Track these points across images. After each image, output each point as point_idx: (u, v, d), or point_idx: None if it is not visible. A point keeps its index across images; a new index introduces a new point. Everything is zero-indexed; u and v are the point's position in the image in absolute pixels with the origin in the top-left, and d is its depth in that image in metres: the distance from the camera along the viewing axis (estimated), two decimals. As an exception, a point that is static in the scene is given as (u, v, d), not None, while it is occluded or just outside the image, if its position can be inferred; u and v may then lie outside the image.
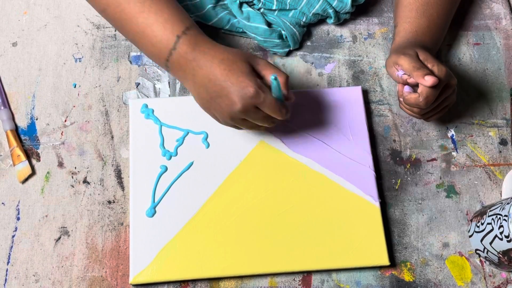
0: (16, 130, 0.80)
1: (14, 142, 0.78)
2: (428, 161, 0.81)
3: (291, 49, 0.86)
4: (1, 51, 0.85)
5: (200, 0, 0.84)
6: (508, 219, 0.67)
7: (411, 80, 0.71)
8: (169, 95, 0.83)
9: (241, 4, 0.84)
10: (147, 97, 0.83)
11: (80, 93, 0.83)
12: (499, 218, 0.69)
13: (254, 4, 0.85)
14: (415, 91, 0.72)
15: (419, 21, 0.79)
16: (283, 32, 0.84)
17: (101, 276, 0.73)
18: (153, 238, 0.73)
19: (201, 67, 0.67)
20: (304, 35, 0.88)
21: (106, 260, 0.74)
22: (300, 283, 0.74)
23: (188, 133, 0.79)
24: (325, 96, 0.82)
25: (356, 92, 0.82)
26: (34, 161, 0.79)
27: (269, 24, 0.84)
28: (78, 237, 0.75)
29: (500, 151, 0.82)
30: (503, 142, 0.83)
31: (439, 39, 0.82)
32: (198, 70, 0.67)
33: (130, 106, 0.80)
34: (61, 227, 0.75)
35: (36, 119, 0.81)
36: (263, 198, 0.75)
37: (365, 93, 0.85)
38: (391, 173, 0.80)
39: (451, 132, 0.83)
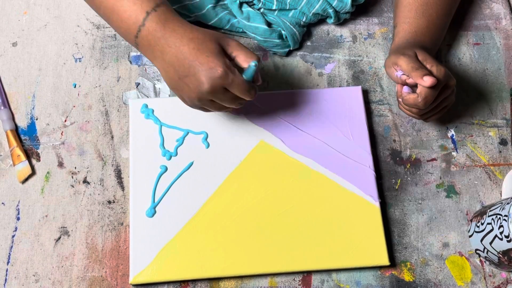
0: (16, 130, 0.80)
1: (14, 142, 0.78)
2: (428, 161, 0.81)
3: (291, 49, 0.86)
4: (1, 51, 0.85)
5: (200, 0, 0.84)
6: (508, 219, 0.67)
7: (410, 81, 0.71)
8: (169, 95, 0.83)
9: (241, 4, 0.84)
10: (147, 97, 0.83)
11: (80, 93, 0.83)
12: (499, 218, 0.69)
13: (254, 4, 0.85)
14: (414, 91, 0.72)
15: (419, 22, 0.79)
16: (283, 32, 0.84)
17: (101, 276, 0.73)
18: (153, 238, 0.73)
19: (169, 45, 0.66)
20: (304, 35, 0.88)
21: (106, 260, 0.74)
22: (300, 283, 0.74)
23: (188, 133, 0.79)
24: (325, 96, 0.82)
25: (356, 92, 0.82)
26: (34, 161, 0.79)
27: (269, 24, 0.84)
28: (78, 237, 0.75)
29: (500, 151, 0.82)
30: (503, 142, 0.83)
31: (439, 40, 0.82)
32: (166, 48, 0.66)
33: (130, 106, 0.80)
34: (61, 227, 0.75)
35: (36, 119, 0.81)
36: (263, 198, 0.75)
37: (365, 93, 0.85)
38: (391, 173, 0.80)
39: (451, 132, 0.83)
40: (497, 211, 0.70)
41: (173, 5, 0.83)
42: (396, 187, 0.79)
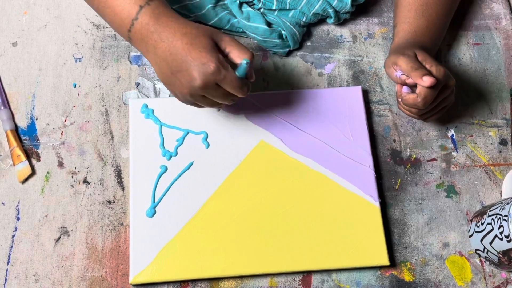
0: (16, 130, 0.80)
1: (14, 142, 0.78)
2: (428, 161, 0.81)
3: (291, 49, 0.86)
4: (1, 51, 0.85)
5: (200, 0, 0.84)
6: (508, 219, 0.67)
7: (409, 81, 0.71)
8: (169, 95, 0.83)
9: (241, 4, 0.84)
10: (147, 97, 0.83)
11: (80, 93, 0.83)
12: (499, 218, 0.69)
13: (254, 4, 0.85)
14: (413, 91, 0.72)
15: (418, 22, 0.79)
16: (283, 32, 0.84)
17: (101, 276, 0.73)
18: (153, 238, 0.73)
19: (162, 40, 0.66)
20: (304, 35, 0.88)
21: (106, 260, 0.74)
22: (300, 283, 0.74)
23: (188, 133, 0.79)
24: (325, 96, 0.82)
25: (356, 92, 0.82)
26: (34, 161, 0.79)
27: (269, 24, 0.84)
28: (78, 237, 0.75)
29: (500, 151, 0.82)
30: (503, 142, 0.83)
31: (439, 40, 0.82)
32: (159, 42, 0.66)
33: (130, 106, 0.80)
34: (61, 227, 0.75)
35: (36, 119, 0.81)
36: (263, 198, 0.75)
37: (365, 93, 0.85)
38: (391, 173, 0.80)
39: (451, 132, 0.83)
40: (497, 211, 0.70)
41: (173, 5, 0.83)
42: (396, 187, 0.79)
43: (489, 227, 0.71)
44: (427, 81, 0.68)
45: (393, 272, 0.75)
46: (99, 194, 0.77)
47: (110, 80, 0.84)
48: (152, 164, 0.77)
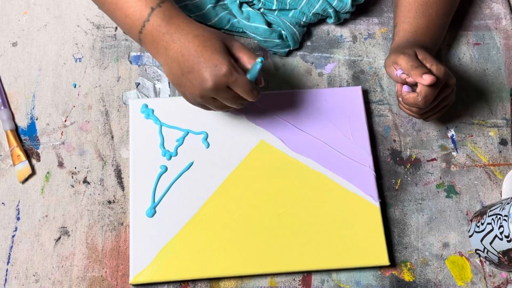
0: (16, 130, 0.80)
1: (14, 142, 0.78)
2: (428, 161, 0.81)
3: (291, 49, 0.86)
4: (1, 51, 0.85)
5: (200, 0, 0.84)
6: (508, 219, 0.67)
7: (409, 79, 0.71)
8: (169, 95, 0.83)
9: (241, 4, 0.84)
10: (147, 97, 0.83)
11: (80, 93, 0.83)
12: (499, 218, 0.69)
13: (254, 4, 0.85)
14: (414, 90, 0.72)
15: (418, 21, 0.79)
16: (283, 32, 0.84)
17: (101, 276, 0.73)
18: (153, 238, 0.73)
19: (174, 41, 0.66)
20: (304, 35, 0.88)
21: (106, 260, 0.74)
22: (300, 283, 0.74)
23: (188, 133, 0.79)
24: (325, 96, 0.82)
25: (356, 92, 0.82)
26: (34, 161, 0.79)
27: (269, 24, 0.84)
28: (78, 237, 0.75)
29: (500, 151, 0.82)
30: (503, 142, 0.83)
31: (439, 39, 0.82)
32: (171, 44, 0.67)
33: (130, 106, 0.80)
34: (61, 227, 0.75)
35: (36, 119, 0.81)
36: (263, 198, 0.75)
37: (365, 93, 0.85)
38: (391, 173, 0.80)
39: (451, 132, 0.83)
40: (497, 211, 0.70)
41: (173, 5, 0.83)
42: (396, 187, 0.79)
43: (489, 227, 0.71)
44: (427, 79, 0.68)
45: (393, 272, 0.75)
46: (99, 194, 0.77)
47: (110, 80, 0.84)
48: (152, 164, 0.77)
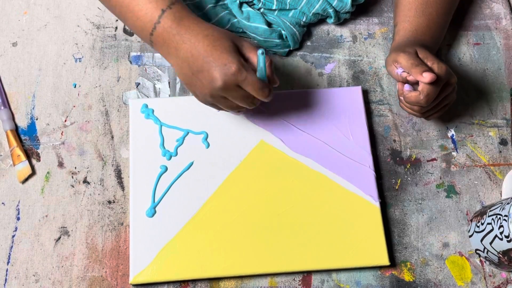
0: (16, 130, 0.80)
1: (14, 142, 0.78)
2: (428, 161, 0.81)
3: (291, 49, 0.86)
4: (1, 51, 0.85)
5: (200, 0, 0.84)
6: (508, 219, 0.67)
7: (410, 78, 0.71)
8: (169, 95, 0.83)
9: (241, 4, 0.84)
10: (147, 97, 0.83)
11: (80, 93, 0.83)
12: (499, 218, 0.69)
13: (254, 4, 0.85)
14: (415, 89, 0.72)
15: (419, 20, 0.79)
16: (283, 32, 0.84)
17: (101, 276, 0.73)
18: (153, 238, 0.73)
19: (184, 42, 0.67)
20: (304, 35, 0.88)
21: (106, 260, 0.74)
22: (300, 283, 0.74)
23: (188, 133, 0.79)
24: (325, 96, 0.82)
25: (356, 92, 0.82)
26: (34, 161, 0.79)
27: (269, 24, 0.84)
28: (78, 237, 0.75)
29: (500, 151, 0.82)
30: (503, 142, 0.83)
31: (439, 38, 0.82)
32: (181, 44, 0.67)
33: (130, 106, 0.80)
34: (61, 227, 0.75)
35: (36, 119, 0.81)
36: (263, 198, 0.75)
37: (365, 93, 0.85)
38: (391, 173, 0.80)
39: (451, 132, 0.83)
40: (497, 211, 0.70)
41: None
42: (396, 187, 0.79)
43: (489, 227, 0.71)
44: (427, 77, 0.68)
45: (393, 272, 0.75)
46: (99, 194, 0.77)
47: (110, 80, 0.84)
48: (152, 164, 0.77)
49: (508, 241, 0.67)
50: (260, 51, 0.65)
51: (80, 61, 0.85)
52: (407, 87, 0.73)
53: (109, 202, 0.77)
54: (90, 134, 0.80)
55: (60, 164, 0.79)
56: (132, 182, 0.76)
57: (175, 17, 0.68)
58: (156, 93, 0.83)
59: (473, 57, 0.88)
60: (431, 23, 0.79)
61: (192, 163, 0.77)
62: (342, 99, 0.82)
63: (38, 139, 0.80)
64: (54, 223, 0.75)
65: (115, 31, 0.87)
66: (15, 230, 0.75)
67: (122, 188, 0.78)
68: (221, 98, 0.68)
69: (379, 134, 0.82)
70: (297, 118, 0.80)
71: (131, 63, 0.85)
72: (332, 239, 0.74)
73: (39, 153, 0.79)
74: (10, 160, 0.78)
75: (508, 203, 0.69)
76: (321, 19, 0.88)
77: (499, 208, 0.70)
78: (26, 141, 0.80)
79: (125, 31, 0.87)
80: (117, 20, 0.87)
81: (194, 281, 0.73)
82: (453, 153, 0.82)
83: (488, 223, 0.71)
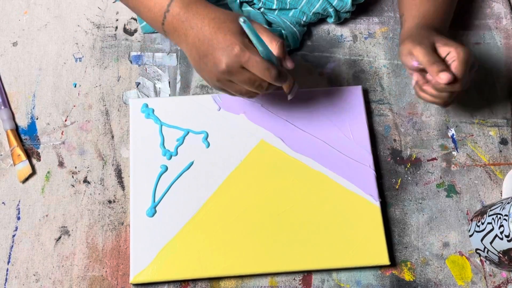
0: (16, 130, 0.80)
1: (14, 142, 0.78)
2: (428, 160, 0.81)
3: (291, 48, 0.86)
4: (2, 51, 0.85)
5: None
6: (509, 218, 0.67)
7: (429, 76, 0.70)
8: (169, 95, 0.83)
9: (241, 4, 0.84)
10: (148, 96, 0.83)
11: (81, 92, 0.83)
12: (500, 217, 0.69)
13: (254, 4, 0.85)
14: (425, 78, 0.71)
15: (425, 6, 0.78)
16: (283, 31, 0.84)
17: (102, 275, 0.73)
18: (153, 237, 0.73)
19: (192, 27, 0.66)
20: (305, 34, 0.88)
21: (107, 260, 0.74)
22: (300, 282, 0.74)
23: (188, 132, 0.79)
24: (325, 96, 0.82)
25: (356, 92, 0.82)
26: (34, 161, 0.79)
27: (269, 24, 0.84)
28: (78, 236, 0.75)
29: (501, 151, 0.82)
30: (503, 142, 0.83)
31: (447, 21, 0.81)
32: (189, 30, 0.67)
33: (131, 105, 0.80)
34: (62, 227, 0.75)
35: (37, 119, 0.81)
36: (263, 198, 0.75)
37: (366, 92, 0.85)
38: (391, 173, 0.80)
39: (452, 132, 0.83)
40: (497, 210, 0.70)
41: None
42: (397, 187, 0.79)
43: (489, 227, 0.71)
44: (444, 78, 0.67)
45: (393, 272, 0.75)
46: (99, 193, 0.77)
47: (110, 80, 0.84)
48: (152, 164, 0.77)
49: (509, 241, 0.67)
50: (241, 19, 0.62)
51: (80, 61, 0.85)
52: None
53: (110, 201, 0.77)
54: (90, 133, 0.80)
55: (61, 164, 0.79)
56: (132, 182, 0.76)
57: (183, 4, 0.67)
58: (156, 93, 0.83)
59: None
60: (438, 7, 0.78)
61: (192, 163, 0.77)
62: (343, 99, 0.82)
63: (38, 139, 0.80)
64: (55, 222, 0.75)
65: (115, 30, 0.87)
66: (16, 230, 0.75)
67: (123, 187, 0.78)
68: (228, 82, 0.67)
69: (380, 133, 0.82)
70: (297, 117, 0.80)
71: (131, 62, 0.85)
72: (332, 238, 0.74)
73: (39, 153, 0.79)
74: (11, 159, 0.78)
75: (508, 203, 0.69)
76: (321, 19, 0.88)
77: (499, 207, 0.70)
78: (27, 140, 0.80)
79: (125, 30, 0.87)
80: (117, 20, 0.87)
81: (194, 280, 0.73)
82: (453, 152, 0.82)
83: (489, 223, 0.71)
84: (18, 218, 0.76)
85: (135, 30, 0.87)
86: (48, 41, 0.86)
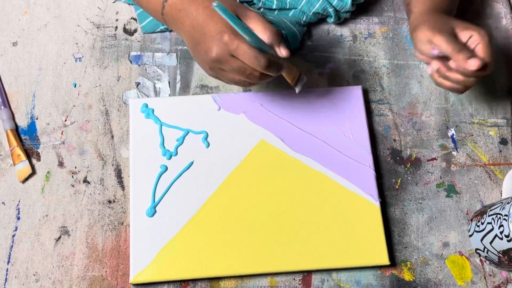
0: (16, 130, 0.80)
1: (14, 142, 0.78)
2: (428, 160, 0.81)
3: (291, 48, 0.86)
4: (2, 51, 0.85)
5: None
6: (508, 218, 0.67)
7: (453, 65, 0.69)
8: (169, 95, 0.83)
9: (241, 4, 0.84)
10: (147, 96, 0.83)
11: (80, 92, 0.83)
12: (499, 217, 0.69)
13: (254, 4, 0.85)
14: (446, 64, 0.70)
15: None
16: (283, 31, 0.84)
17: (101, 275, 0.73)
18: (153, 237, 0.73)
19: (188, 16, 0.67)
20: (304, 34, 0.88)
21: (106, 260, 0.74)
22: (300, 282, 0.74)
23: (188, 132, 0.79)
24: (325, 96, 0.82)
25: (356, 92, 0.82)
26: (34, 161, 0.79)
27: (269, 24, 0.84)
28: (78, 236, 0.75)
29: (501, 151, 0.82)
30: (503, 142, 0.83)
31: (455, 6, 0.80)
32: (185, 19, 0.67)
33: (130, 105, 0.80)
34: (61, 227, 0.75)
35: (36, 119, 0.81)
36: (263, 198, 0.75)
37: (366, 92, 0.85)
38: (391, 173, 0.80)
39: (451, 132, 0.83)
40: (497, 210, 0.70)
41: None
42: (396, 187, 0.79)
43: (489, 227, 0.71)
44: (474, 64, 0.66)
45: (393, 272, 0.75)
46: (99, 193, 0.77)
47: (110, 80, 0.84)
48: (152, 164, 0.77)
49: (508, 241, 0.67)
50: (214, 3, 0.59)
51: (80, 61, 0.85)
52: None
53: (109, 201, 0.77)
54: (90, 133, 0.80)
55: (60, 164, 0.79)
56: (132, 182, 0.76)
57: None
58: (156, 93, 0.83)
59: (474, 56, 0.88)
60: None
61: (192, 163, 0.77)
62: (343, 99, 0.82)
63: (38, 139, 0.80)
64: (54, 222, 0.75)
65: (115, 30, 0.87)
66: (15, 230, 0.75)
67: (122, 187, 0.78)
68: (220, 70, 0.66)
69: (379, 133, 0.82)
70: (297, 117, 0.80)
71: (131, 62, 0.85)
72: (332, 238, 0.74)
73: (39, 153, 0.79)
74: (10, 159, 0.78)
75: (508, 203, 0.69)
76: (321, 19, 0.88)
77: (499, 207, 0.70)
78: (26, 140, 0.80)
79: (125, 30, 0.87)
80: (117, 20, 0.87)
81: (194, 280, 0.73)
82: (453, 152, 0.82)
83: (488, 223, 0.71)
84: (18, 218, 0.76)
85: (135, 30, 0.87)
86: (48, 41, 0.86)
